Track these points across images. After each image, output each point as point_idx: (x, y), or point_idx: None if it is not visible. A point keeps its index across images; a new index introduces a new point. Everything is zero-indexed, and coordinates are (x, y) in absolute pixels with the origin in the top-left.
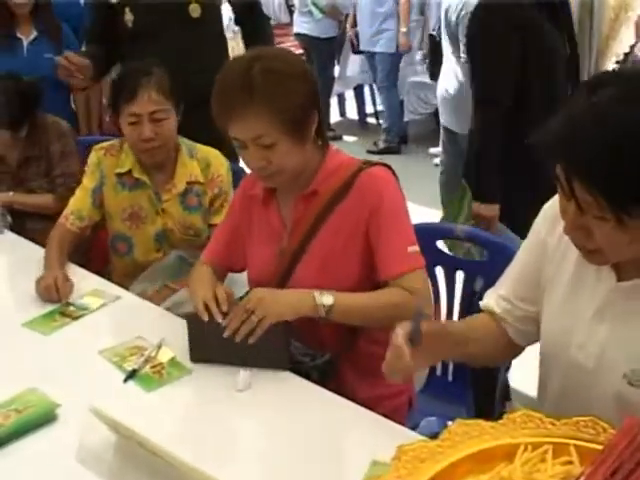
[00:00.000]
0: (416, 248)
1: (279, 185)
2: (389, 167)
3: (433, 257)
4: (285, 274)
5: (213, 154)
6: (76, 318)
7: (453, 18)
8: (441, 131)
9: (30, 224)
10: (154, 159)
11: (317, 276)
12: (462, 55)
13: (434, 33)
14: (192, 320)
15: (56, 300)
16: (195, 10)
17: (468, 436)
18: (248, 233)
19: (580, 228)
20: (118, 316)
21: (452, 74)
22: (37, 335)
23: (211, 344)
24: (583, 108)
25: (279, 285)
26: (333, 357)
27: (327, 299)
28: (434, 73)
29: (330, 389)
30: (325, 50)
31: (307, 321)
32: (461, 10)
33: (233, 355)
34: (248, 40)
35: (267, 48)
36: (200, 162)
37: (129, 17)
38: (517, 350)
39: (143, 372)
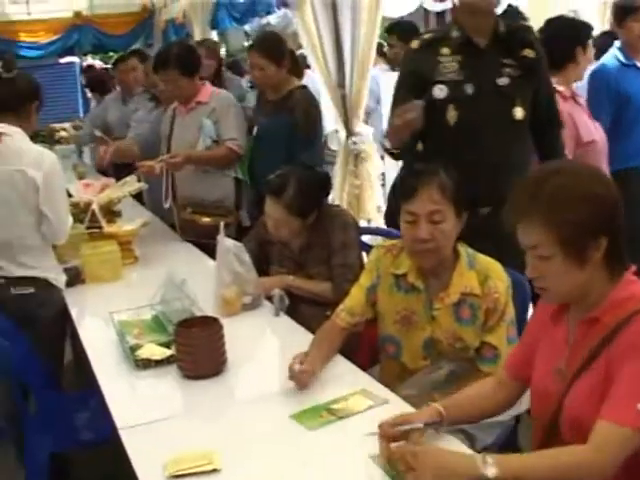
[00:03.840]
0: None
1: (555, 302)
2: None
3: None
4: (561, 395)
5: (493, 267)
6: (342, 417)
7: None
8: None
9: (303, 308)
10: (426, 262)
11: (588, 401)
12: None
13: None
14: None
15: (297, 379)
16: (519, 112)
17: None
18: (537, 345)
19: None
20: None
21: None
22: (302, 429)
23: None
24: None
25: (556, 405)
26: None
27: (491, 470)
28: None
29: None
30: None
31: None
32: None
33: None
34: (544, 150)
35: (572, 164)
36: (479, 274)
37: (452, 114)
38: None
39: None
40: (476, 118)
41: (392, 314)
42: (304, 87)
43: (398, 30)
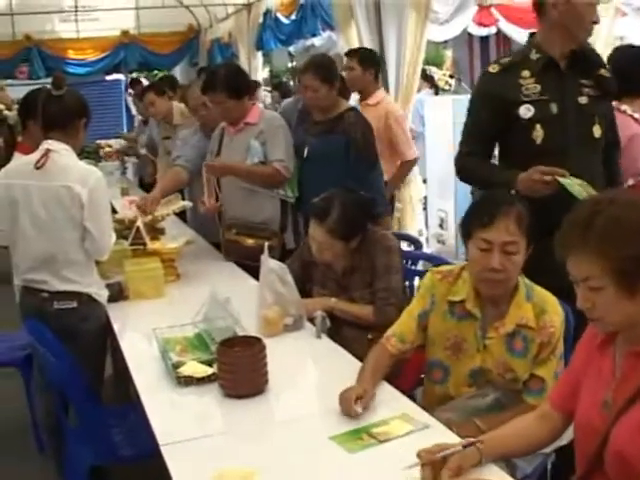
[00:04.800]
0: None
1: (606, 331)
2: None
3: None
4: (607, 428)
5: (551, 301)
6: (382, 441)
7: None
8: None
9: (345, 331)
10: (491, 291)
11: (636, 436)
12: None
13: None
14: None
15: (350, 415)
16: (597, 131)
17: None
18: (583, 376)
19: None
20: (425, 446)
21: None
22: (341, 451)
23: None
24: None
25: (601, 438)
26: None
27: None
28: None
29: None
30: None
31: None
32: None
33: None
34: (607, 169)
35: (626, 194)
36: (535, 306)
37: (539, 133)
38: None
39: None
40: (562, 136)
41: (443, 340)
42: (354, 109)
43: (358, 54)
